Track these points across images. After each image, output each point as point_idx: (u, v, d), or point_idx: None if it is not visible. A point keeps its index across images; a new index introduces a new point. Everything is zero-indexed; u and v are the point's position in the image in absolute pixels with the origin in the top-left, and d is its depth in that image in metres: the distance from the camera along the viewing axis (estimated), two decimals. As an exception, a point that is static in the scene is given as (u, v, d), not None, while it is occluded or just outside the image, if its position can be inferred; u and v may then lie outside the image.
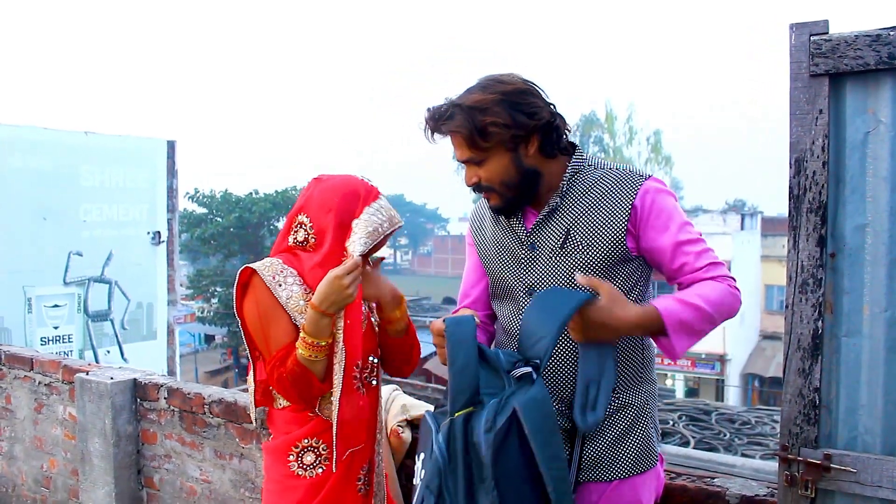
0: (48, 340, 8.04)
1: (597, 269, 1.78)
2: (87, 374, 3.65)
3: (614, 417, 1.83)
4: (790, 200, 1.88)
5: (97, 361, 8.10)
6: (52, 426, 3.97)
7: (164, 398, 3.45)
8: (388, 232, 1.93)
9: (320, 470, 1.94)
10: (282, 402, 1.99)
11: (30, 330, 7.89)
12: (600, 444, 1.82)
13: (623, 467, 1.82)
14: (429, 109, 1.78)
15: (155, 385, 3.50)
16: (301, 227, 1.97)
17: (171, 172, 9.28)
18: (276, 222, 30.92)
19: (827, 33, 1.82)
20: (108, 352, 8.60)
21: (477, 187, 1.82)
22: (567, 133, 1.85)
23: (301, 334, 1.86)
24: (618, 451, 1.83)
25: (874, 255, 1.79)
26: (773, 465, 2.09)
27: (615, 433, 1.83)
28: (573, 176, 1.84)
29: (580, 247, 1.78)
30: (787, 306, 1.90)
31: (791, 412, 1.89)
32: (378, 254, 2.04)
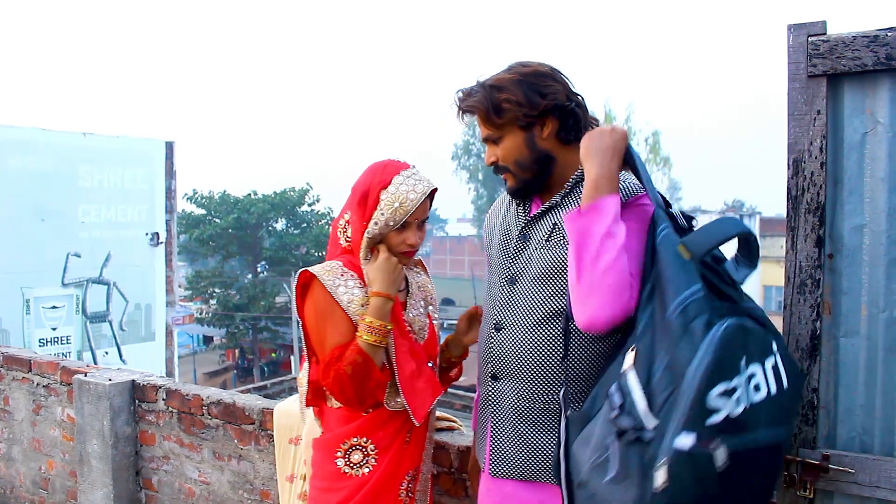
0: (46, 342, 8.04)
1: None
2: (86, 375, 3.64)
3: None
4: (788, 201, 1.88)
5: (95, 363, 8.09)
6: (50, 427, 3.97)
7: (163, 399, 3.45)
8: (419, 199, 1.91)
9: (367, 469, 1.94)
10: (334, 403, 1.99)
11: (28, 331, 7.89)
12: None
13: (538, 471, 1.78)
14: (460, 90, 1.84)
15: (153, 386, 3.50)
16: (346, 226, 2.00)
17: (170, 173, 9.28)
18: (274, 223, 30.93)
19: (825, 34, 1.82)
20: (107, 353, 8.60)
21: (496, 167, 1.85)
22: (592, 124, 1.84)
23: (366, 320, 1.87)
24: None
25: (872, 256, 1.79)
26: (772, 465, 2.06)
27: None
28: (582, 176, 1.83)
29: (563, 241, 1.77)
30: (785, 307, 1.90)
31: (789, 413, 1.89)
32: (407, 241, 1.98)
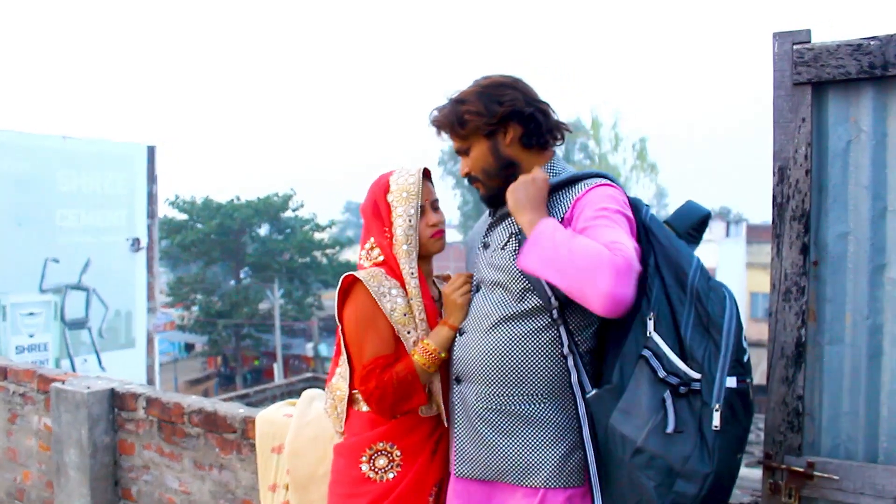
0: (23, 349, 7.93)
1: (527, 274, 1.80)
2: (63, 383, 3.60)
3: (522, 431, 1.81)
4: (774, 208, 1.90)
5: (74, 370, 8.01)
6: (26, 437, 3.92)
7: (143, 408, 3.42)
8: (418, 179, 2.00)
9: (391, 475, 1.93)
10: (362, 406, 1.99)
11: (4, 338, 7.79)
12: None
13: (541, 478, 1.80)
14: (434, 108, 1.94)
15: (133, 395, 3.46)
16: (371, 250, 2.06)
17: (151, 178, 9.21)
18: (257, 229, 30.78)
19: (809, 42, 1.85)
20: (86, 360, 8.50)
21: (469, 178, 1.94)
22: (557, 134, 1.93)
23: (424, 342, 1.91)
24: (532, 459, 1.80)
25: (856, 264, 1.82)
26: (758, 473, 2.09)
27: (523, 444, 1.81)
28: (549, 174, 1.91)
29: (517, 248, 1.82)
30: (770, 314, 1.92)
31: (775, 420, 1.91)
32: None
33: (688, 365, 1.60)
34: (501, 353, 1.82)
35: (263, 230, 31.32)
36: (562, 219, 1.80)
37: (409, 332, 1.94)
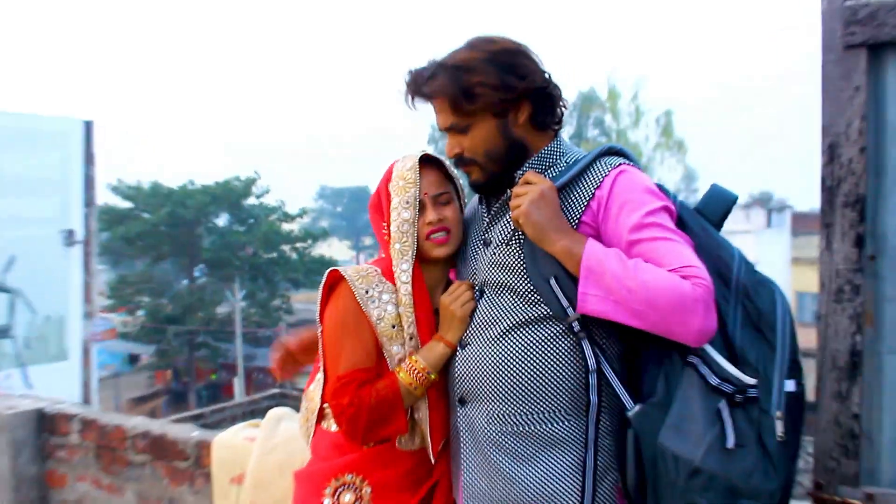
0: (-65, 362, 7.90)
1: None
2: (-18, 403, 3.58)
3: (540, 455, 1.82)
4: (823, 193, 1.90)
5: (-4, 387, 7.97)
6: (-61, 467, 3.89)
7: (77, 432, 3.40)
8: (414, 165, 1.97)
9: None
10: (332, 425, 1.99)
11: (-87, 349, 7.76)
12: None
13: None
14: (410, 71, 1.88)
15: (65, 416, 3.44)
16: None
17: (88, 158, 9.17)
18: (215, 219, 30.72)
19: (865, -4, 1.84)
20: (9, 376, 8.46)
21: (459, 159, 1.91)
22: (563, 107, 1.94)
23: (413, 358, 1.91)
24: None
25: (921, 258, 1.81)
26: (805, 505, 2.09)
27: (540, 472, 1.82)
28: (548, 162, 1.91)
29: (524, 242, 1.84)
30: (819, 317, 1.91)
31: (826, 443, 1.90)
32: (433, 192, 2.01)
33: (741, 370, 1.65)
34: (515, 364, 1.82)
35: (222, 220, 31.28)
36: (579, 221, 1.80)
37: (395, 349, 1.93)
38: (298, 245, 31.44)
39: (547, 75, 1.89)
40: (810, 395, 1.99)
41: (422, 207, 1.97)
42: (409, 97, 1.89)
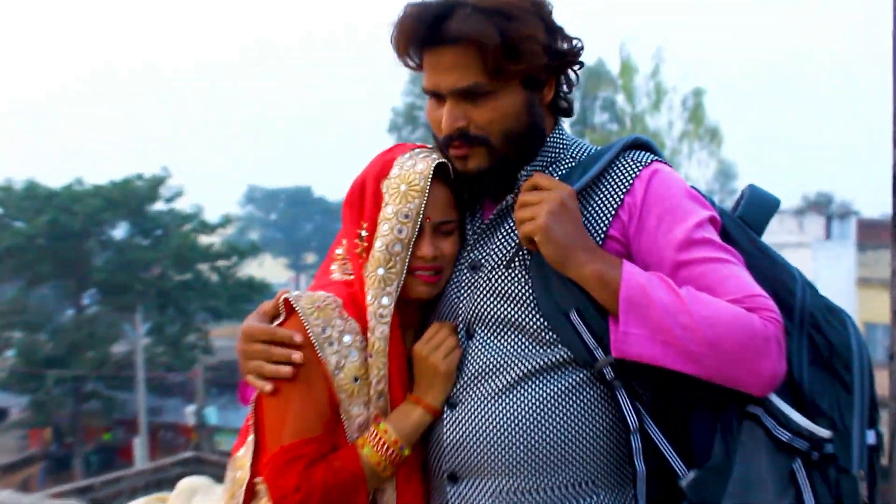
0: None
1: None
2: None
3: None
4: (895, 195, 1.91)
5: None
6: None
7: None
8: (428, 171, 1.91)
9: None
10: None
11: None
12: None
13: None
14: (416, 4, 1.83)
15: None
16: (345, 259, 2.03)
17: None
18: (110, 229, 30.45)
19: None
20: None
21: (462, 136, 1.86)
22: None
23: (381, 427, 1.87)
24: None
25: None
26: None
27: None
28: (551, 157, 1.94)
29: (529, 263, 1.85)
30: (893, 356, 1.92)
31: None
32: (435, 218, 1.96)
33: (813, 419, 1.69)
34: (529, 422, 1.80)
35: (120, 231, 31.06)
36: (605, 236, 1.82)
37: (355, 409, 1.89)
38: (220, 263, 31.27)
39: (578, 40, 1.91)
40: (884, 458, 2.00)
41: (419, 232, 1.92)
42: (407, 42, 1.86)
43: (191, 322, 30.92)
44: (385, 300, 1.90)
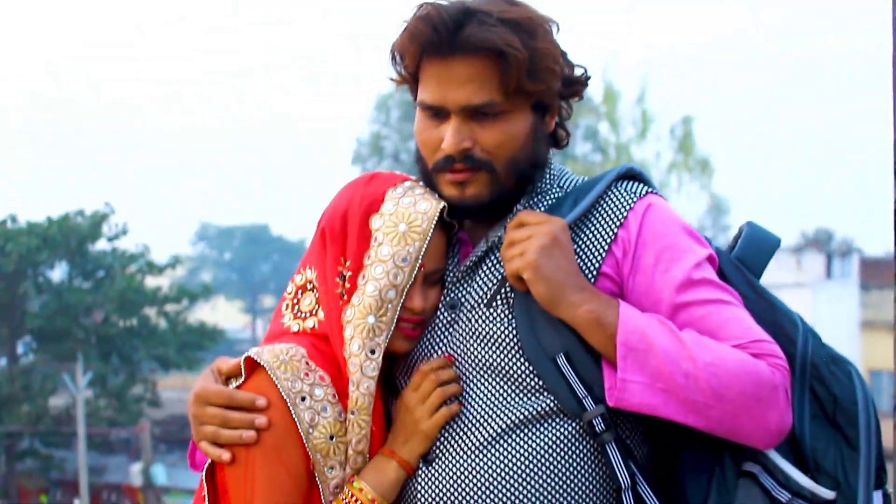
0: None
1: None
2: None
3: None
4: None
5: None
6: None
7: None
8: (434, 212, 1.88)
9: None
10: None
11: None
12: None
13: None
14: (428, 6, 1.80)
15: None
16: (300, 295, 1.98)
17: None
18: (47, 270, 30.21)
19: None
20: None
21: (467, 158, 1.83)
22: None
23: (356, 485, 1.84)
24: None
25: None
26: None
27: None
28: (539, 187, 1.94)
29: (512, 301, 1.84)
30: (901, 406, 1.93)
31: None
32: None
33: (815, 478, 1.69)
34: (514, 484, 1.79)
35: (58, 273, 30.83)
36: (597, 273, 1.82)
37: (331, 469, 1.85)
38: (169, 308, 31.07)
39: (584, 69, 1.94)
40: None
41: (412, 281, 1.88)
42: (418, 46, 1.81)
43: (136, 372, 30.67)
44: (373, 351, 1.84)
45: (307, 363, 1.86)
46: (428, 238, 1.85)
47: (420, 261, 1.85)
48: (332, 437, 1.84)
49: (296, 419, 1.80)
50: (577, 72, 1.92)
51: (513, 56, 1.74)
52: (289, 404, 1.80)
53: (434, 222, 1.86)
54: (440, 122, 1.84)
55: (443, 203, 1.88)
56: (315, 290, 1.95)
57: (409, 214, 1.86)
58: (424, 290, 1.90)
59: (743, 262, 1.90)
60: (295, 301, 1.98)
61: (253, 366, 1.84)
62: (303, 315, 1.95)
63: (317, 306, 1.94)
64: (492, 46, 1.74)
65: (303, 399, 1.82)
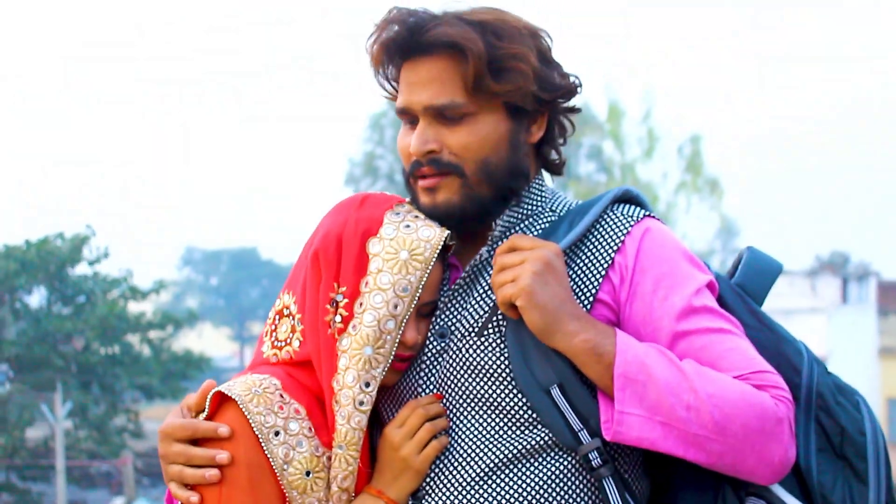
0: None
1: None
2: None
3: None
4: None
5: None
6: None
7: None
8: (437, 241, 1.88)
9: None
10: None
11: None
12: None
13: None
14: (399, 9, 1.85)
15: None
16: (282, 317, 1.96)
17: None
18: (25, 295, 30.22)
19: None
20: None
21: (433, 162, 1.85)
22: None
23: None
24: None
25: None
26: None
27: None
28: (529, 209, 1.94)
29: (504, 331, 1.83)
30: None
31: None
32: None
33: None
34: None
35: (37, 298, 30.89)
36: (593, 300, 1.82)
37: None
38: (153, 335, 31.14)
39: (576, 78, 1.94)
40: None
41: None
42: (383, 50, 1.86)
43: (119, 402, 30.70)
44: (368, 384, 1.83)
45: (281, 395, 1.85)
46: (430, 267, 1.85)
47: (420, 290, 1.85)
48: (308, 474, 1.82)
49: (268, 455, 1.78)
50: (570, 80, 1.93)
51: (470, 52, 1.77)
52: (261, 440, 1.78)
53: (437, 251, 1.86)
54: (413, 128, 1.88)
55: (447, 232, 1.88)
56: (291, 317, 1.94)
57: (412, 241, 1.86)
58: (417, 322, 1.91)
59: (744, 288, 1.90)
60: (273, 328, 1.98)
61: (221, 399, 1.83)
62: (279, 344, 1.95)
63: (291, 334, 1.93)
64: (448, 42, 1.79)
65: (276, 434, 1.80)
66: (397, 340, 1.85)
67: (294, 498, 1.81)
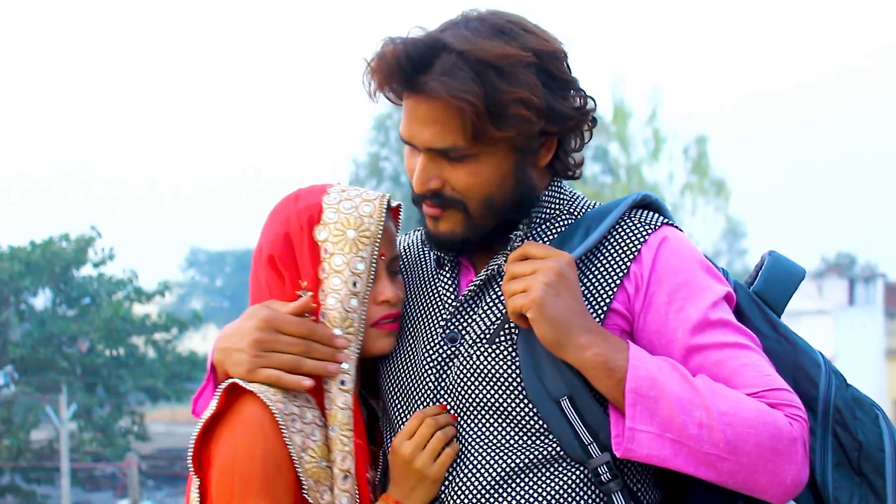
0: None
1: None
2: None
3: None
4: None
5: None
6: None
7: None
8: (380, 210, 1.90)
9: None
10: None
11: None
12: None
13: None
14: (394, 40, 1.77)
15: None
16: None
17: None
18: (30, 297, 30.17)
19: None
20: None
21: (436, 197, 1.84)
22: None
23: None
24: None
25: None
26: None
27: None
28: (546, 214, 1.92)
29: (516, 340, 1.82)
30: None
31: None
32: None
33: None
34: None
35: (41, 300, 30.75)
36: (607, 310, 1.81)
37: (322, 497, 1.83)
38: (158, 337, 30.96)
39: (591, 99, 1.88)
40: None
41: (374, 277, 1.90)
42: (383, 80, 1.80)
43: (123, 404, 30.51)
44: (345, 365, 1.86)
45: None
46: (378, 240, 1.88)
47: (375, 263, 1.88)
48: (322, 462, 1.84)
49: (288, 443, 1.78)
50: (584, 104, 1.85)
51: (466, 108, 1.71)
52: (282, 427, 1.77)
53: (382, 222, 1.89)
54: (417, 154, 1.85)
55: (387, 196, 1.92)
56: None
57: (355, 219, 1.88)
58: (394, 280, 1.95)
59: (763, 297, 1.89)
60: None
61: (234, 390, 1.82)
62: None
63: None
64: (435, 94, 1.72)
65: (293, 421, 1.81)
66: (365, 314, 1.87)
67: (310, 486, 1.81)
